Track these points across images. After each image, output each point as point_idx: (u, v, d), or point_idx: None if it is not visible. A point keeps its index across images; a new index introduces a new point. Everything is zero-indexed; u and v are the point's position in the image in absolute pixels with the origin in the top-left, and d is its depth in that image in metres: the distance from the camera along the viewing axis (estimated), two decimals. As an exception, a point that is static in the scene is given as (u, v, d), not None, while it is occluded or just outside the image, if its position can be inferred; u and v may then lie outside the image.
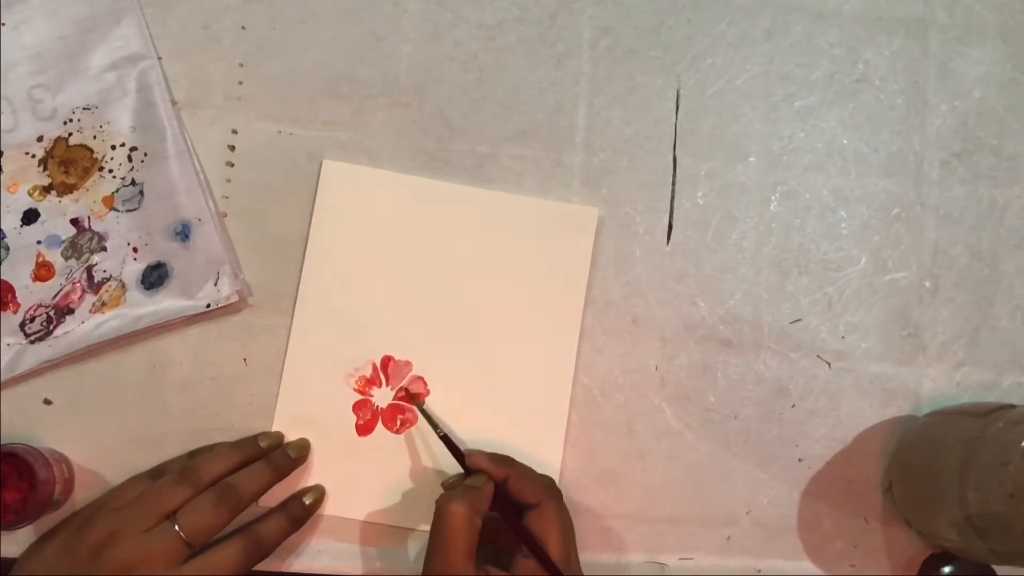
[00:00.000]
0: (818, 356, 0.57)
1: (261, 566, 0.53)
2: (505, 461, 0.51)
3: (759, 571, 0.56)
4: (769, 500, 0.57)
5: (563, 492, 0.55)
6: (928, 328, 0.58)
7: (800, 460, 0.57)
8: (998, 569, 0.55)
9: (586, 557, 0.55)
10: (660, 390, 0.57)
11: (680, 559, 0.56)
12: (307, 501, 0.53)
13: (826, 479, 0.57)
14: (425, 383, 0.55)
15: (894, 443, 0.57)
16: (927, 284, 0.58)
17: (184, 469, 0.51)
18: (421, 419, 0.55)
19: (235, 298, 0.54)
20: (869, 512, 0.57)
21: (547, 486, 0.51)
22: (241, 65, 0.57)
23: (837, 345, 0.57)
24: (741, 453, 0.57)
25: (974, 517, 0.48)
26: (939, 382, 0.58)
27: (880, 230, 0.58)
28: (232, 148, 0.56)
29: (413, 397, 0.55)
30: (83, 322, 0.54)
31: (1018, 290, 0.58)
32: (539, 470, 0.54)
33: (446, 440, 0.53)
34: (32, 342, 0.53)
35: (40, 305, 0.54)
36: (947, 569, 0.55)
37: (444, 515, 0.47)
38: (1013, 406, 0.51)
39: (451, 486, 0.52)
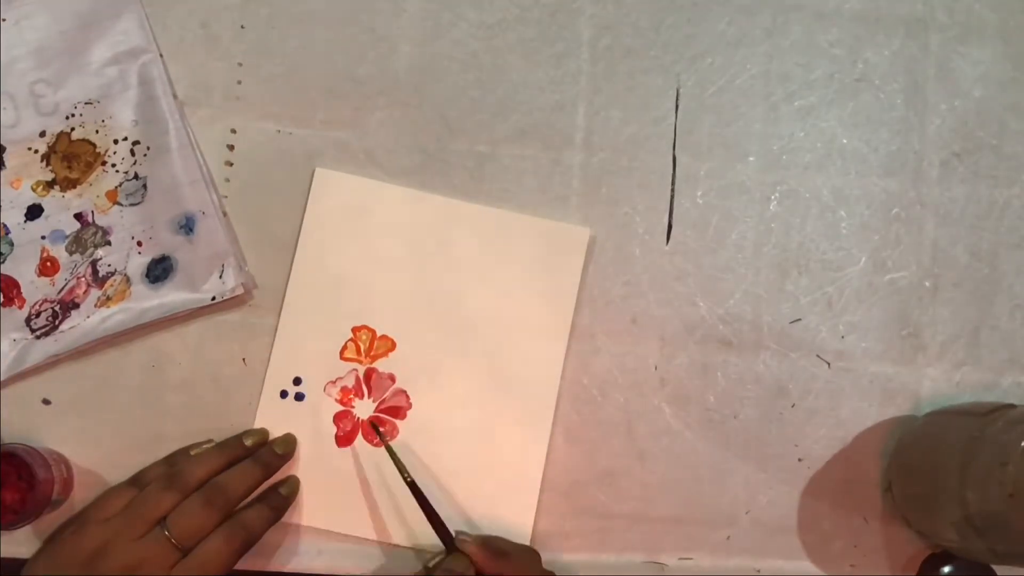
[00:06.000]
0: (818, 356, 0.57)
1: (260, 566, 0.53)
2: (499, 555, 0.49)
3: (759, 571, 0.56)
4: (769, 500, 0.57)
5: (561, 493, 0.55)
6: (928, 328, 0.58)
7: (800, 460, 0.57)
8: (998, 569, 0.55)
9: (586, 557, 0.55)
10: (660, 390, 0.57)
11: (680, 559, 0.56)
12: (283, 492, 0.53)
13: (826, 479, 0.57)
14: (407, 396, 0.55)
15: (894, 443, 0.57)
16: (927, 284, 0.58)
17: (170, 475, 0.51)
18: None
19: (240, 291, 0.54)
20: (869, 512, 0.57)
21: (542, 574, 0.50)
22: (240, 64, 0.57)
23: (837, 345, 0.57)
24: (741, 453, 0.57)
25: (974, 517, 0.48)
26: (939, 382, 0.58)
27: (880, 230, 0.58)
28: (231, 147, 0.56)
29: (380, 434, 0.54)
30: (88, 316, 0.54)
31: (1018, 290, 0.58)
32: (518, 493, 0.54)
33: (416, 492, 0.51)
34: (38, 337, 0.53)
35: (45, 300, 0.54)
36: (947, 569, 0.55)
37: None
38: (1013, 406, 0.51)
39: (433, 567, 0.50)
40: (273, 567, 0.54)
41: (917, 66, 0.59)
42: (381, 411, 0.55)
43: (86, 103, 0.55)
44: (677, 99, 0.58)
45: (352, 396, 0.55)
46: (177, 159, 0.55)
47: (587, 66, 0.58)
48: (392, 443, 0.54)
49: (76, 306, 0.54)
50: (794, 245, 0.58)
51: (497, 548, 0.50)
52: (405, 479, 0.52)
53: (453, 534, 0.51)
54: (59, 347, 0.53)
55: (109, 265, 0.54)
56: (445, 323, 0.56)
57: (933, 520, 0.52)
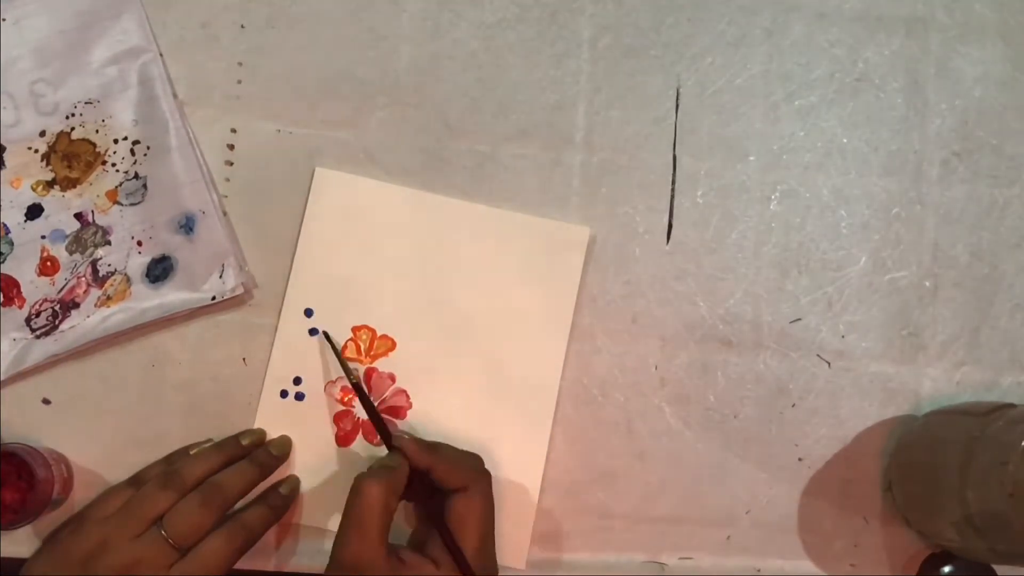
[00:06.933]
0: (818, 355, 0.57)
1: (260, 566, 0.53)
2: (430, 449, 0.50)
3: (759, 571, 0.56)
4: (769, 500, 0.57)
5: (561, 493, 0.55)
6: (928, 327, 0.58)
7: (800, 460, 0.57)
8: (998, 569, 0.55)
9: (586, 557, 0.55)
10: (660, 390, 0.57)
11: (680, 559, 0.56)
12: (283, 491, 0.53)
13: (826, 479, 0.57)
14: (407, 396, 0.55)
15: (894, 443, 0.57)
16: (927, 283, 0.58)
17: (168, 473, 0.51)
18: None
19: (240, 291, 0.54)
20: (869, 512, 0.57)
21: (475, 470, 0.50)
22: (240, 64, 0.57)
23: (837, 344, 0.57)
24: (741, 453, 0.57)
25: (974, 516, 0.48)
26: (939, 381, 0.58)
27: (880, 229, 0.58)
28: (231, 147, 0.56)
29: (330, 340, 0.54)
30: (88, 316, 0.54)
31: (1018, 289, 0.58)
32: (518, 493, 0.54)
33: (361, 393, 0.52)
34: (38, 337, 0.53)
35: (45, 300, 0.54)
36: (947, 569, 0.55)
37: (361, 494, 0.47)
38: (1013, 405, 0.51)
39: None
40: (273, 567, 0.54)
41: (917, 66, 0.59)
42: (381, 411, 0.55)
43: (86, 103, 0.55)
44: (677, 99, 0.58)
45: (352, 396, 0.55)
46: (177, 159, 0.55)
47: (587, 66, 0.58)
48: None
49: (76, 306, 0.54)
50: (794, 245, 0.58)
51: (428, 443, 0.51)
52: (351, 381, 0.53)
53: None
54: (59, 347, 0.53)
55: (109, 265, 0.54)
56: (445, 323, 0.56)
57: (933, 520, 0.52)
